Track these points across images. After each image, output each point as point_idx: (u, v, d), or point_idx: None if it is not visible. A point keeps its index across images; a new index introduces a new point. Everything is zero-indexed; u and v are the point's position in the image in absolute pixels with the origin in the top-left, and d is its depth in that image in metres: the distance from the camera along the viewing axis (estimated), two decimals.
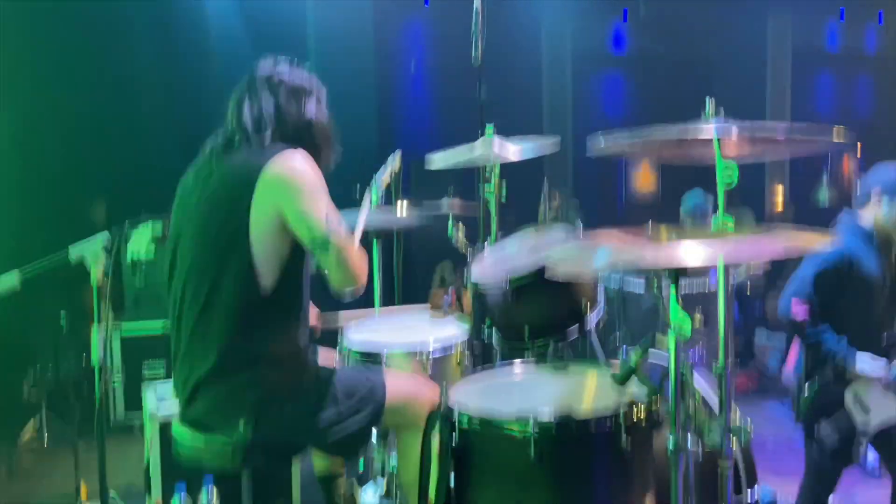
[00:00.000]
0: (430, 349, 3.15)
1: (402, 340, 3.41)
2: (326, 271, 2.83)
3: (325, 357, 3.19)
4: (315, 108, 3.00)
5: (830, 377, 3.85)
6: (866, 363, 3.79)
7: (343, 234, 2.80)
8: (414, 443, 2.92)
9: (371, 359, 3.23)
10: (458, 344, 3.22)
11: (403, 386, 3.02)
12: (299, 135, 2.92)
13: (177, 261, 2.91)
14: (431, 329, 3.41)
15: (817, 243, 2.33)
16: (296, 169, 2.78)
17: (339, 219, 2.80)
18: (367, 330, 3.62)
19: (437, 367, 3.18)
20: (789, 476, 4.25)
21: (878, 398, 3.79)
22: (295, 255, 2.79)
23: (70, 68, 7.08)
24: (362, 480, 4.00)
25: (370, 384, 2.95)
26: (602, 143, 2.65)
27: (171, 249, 2.94)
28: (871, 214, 3.92)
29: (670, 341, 2.36)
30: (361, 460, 4.09)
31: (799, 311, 3.85)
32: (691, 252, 2.21)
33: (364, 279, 2.90)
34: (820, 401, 3.89)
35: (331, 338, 3.64)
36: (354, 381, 2.95)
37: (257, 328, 2.76)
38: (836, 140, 2.50)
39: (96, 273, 3.51)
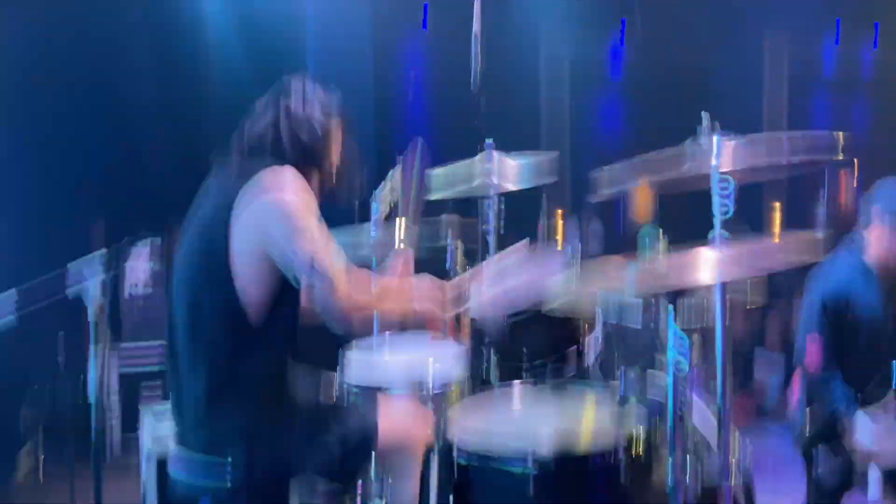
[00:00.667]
0: (431, 386, 3.14)
1: (402, 373, 3.39)
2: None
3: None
4: (321, 130, 2.88)
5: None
6: (865, 433, 3.68)
7: (331, 268, 2.59)
8: (404, 487, 2.89)
9: (370, 394, 3.21)
10: (457, 379, 3.21)
11: (395, 429, 2.96)
12: (298, 154, 2.83)
13: (173, 282, 2.85)
14: (432, 353, 3.39)
15: (810, 254, 2.34)
16: (278, 196, 2.65)
17: (327, 249, 2.64)
18: (368, 359, 3.61)
19: (438, 401, 3.17)
20: (789, 502, 4.24)
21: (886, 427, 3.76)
22: (286, 283, 2.66)
23: (67, 83, 7.08)
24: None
25: (362, 428, 2.90)
26: (604, 186, 2.67)
27: (172, 268, 2.90)
28: (875, 235, 3.86)
29: (668, 374, 2.36)
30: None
31: (813, 349, 3.80)
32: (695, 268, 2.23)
33: (363, 312, 2.68)
34: (819, 428, 3.86)
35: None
36: (349, 410, 2.92)
37: (246, 356, 2.69)
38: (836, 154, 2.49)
39: (94, 308, 3.49)
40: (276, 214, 2.63)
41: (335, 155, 2.96)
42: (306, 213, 2.65)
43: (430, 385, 3.14)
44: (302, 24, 8.05)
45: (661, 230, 7.17)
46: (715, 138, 2.51)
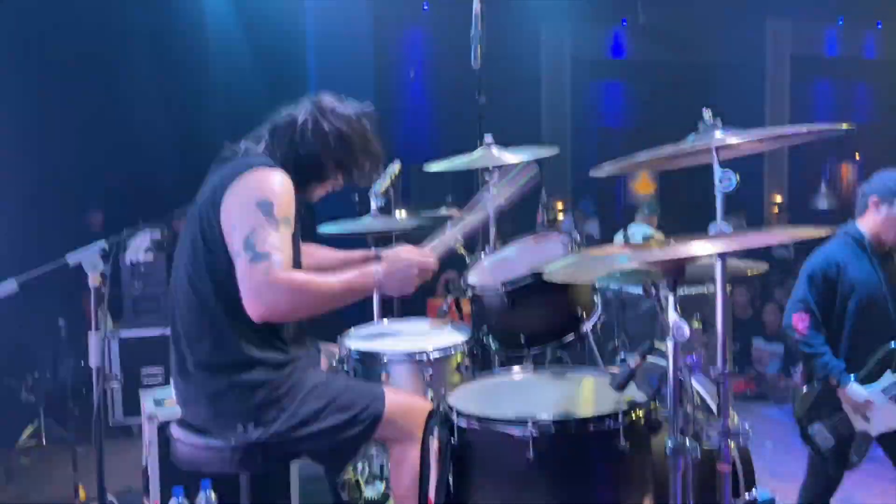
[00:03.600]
0: (430, 352, 3.14)
1: (402, 346, 3.41)
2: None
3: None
4: (324, 145, 2.91)
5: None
6: (856, 391, 3.81)
7: (277, 260, 2.58)
8: (407, 455, 2.90)
9: (372, 361, 3.22)
10: (457, 348, 3.22)
11: (400, 398, 2.99)
12: (298, 162, 2.89)
13: (175, 265, 2.92)
14: (431, 336, 3.40)
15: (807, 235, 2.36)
16: (257, 184, 2.70)
17: (284, 245, 2.64)
18: (368, 336, 3.62)
19: (437, 371, 3.17)
20: (787, 478, 4.26)
21: (882, 405, 3.79)
22: None
23: (68, 77, 7.10)
24: (368, 478, 3.99)
25: (369, 395, 2.92)
26: (605, 169, 2.69)
27: (175, 252, 2.95)
28: (869, 222, 3.94)
29: (668, 345, 2.37)
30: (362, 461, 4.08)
31: (799, 323, 3.87)
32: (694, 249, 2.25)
33: (284, 317, 2.69)
34: (816, 403, 3.89)
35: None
36: (353, 391, 2.93)
37: (247, 336, 2.74)
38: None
39: (94, 278, 3.50)
40: (248, 199, 2.67)
41: (338, 177, 3.00)
42: (275, 205, 2.67)
43: (430, 350, 3.15)
44: (302, 15, 8.06)
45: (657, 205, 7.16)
46: (717, 133, 2.51)
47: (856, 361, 3.85)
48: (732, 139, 2.49)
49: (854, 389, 3.81)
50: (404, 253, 2.98)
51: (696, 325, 3.59)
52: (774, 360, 7.94)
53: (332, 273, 2.78)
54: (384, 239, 4.09)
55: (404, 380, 3.18)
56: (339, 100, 2.99)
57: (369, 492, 3.69)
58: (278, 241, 2.61)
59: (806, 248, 4.10)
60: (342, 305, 2.79)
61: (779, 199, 10.98)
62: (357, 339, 3.40)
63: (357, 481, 3.56)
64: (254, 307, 2.60)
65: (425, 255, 3.05)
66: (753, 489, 3.25)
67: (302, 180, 2.89)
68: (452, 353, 3.19)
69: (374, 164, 3.04)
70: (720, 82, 10.05)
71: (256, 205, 2.65)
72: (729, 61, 10.23)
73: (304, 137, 2.89)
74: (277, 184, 2.73)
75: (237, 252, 2.61)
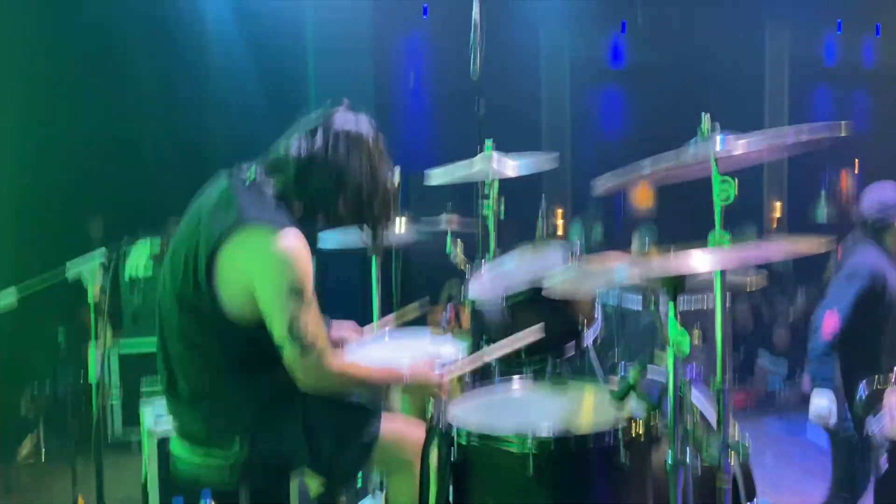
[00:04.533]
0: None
1: (404, 360, 3.40)
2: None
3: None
4: (361, 180, 2.85)
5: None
6: (816, 406, 3.89)
7: (325, 351, 2.66)
8: (402, 485, 2.92)
9: None
10: (459, 360, 3.22)
11: (395, 425, 2.99)
12: (325, 202, 2.84)
13: (164, 279, 2.87)
14: (432, 347, 3.40)
15: (814, 249, 2.35)
16: (284, 258, 2.62)
17: (323, 330, 2.69)
18: (368, 349, 3.62)
19: None
20: (788, 490, 4.25)
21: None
22: None
23: (67, 84, 7.10)
24: (360, 495, 3.99)
25: (365, 420, 2.92)
26: (605, 184, 2.68)
27: (163, 265, 2.91)
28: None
29: (669, 357, 2.36)
30: (360, 474, 4.07)
31: (830, 325, 3.90)
32: (697, 261, 2.24)
33: (330, 381, 2.74)
34: (868, 400, 3.92)
35: None
36: (349, 414, 2.92)
37: (239, 354, 2.73)
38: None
39: (93, 290, 3.50)
40: (278, 275, 2.62)
41: (356, 204, 2.90)
42: (307, 286, 2.65)
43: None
44: (302, 22, 8.06)
45: (655, 227, 7.17)
46: (718, 138, 2.51)
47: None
48: (733, 146, 2.47)
49: (816, 405, 3.90)
50: (429, 372, 2.96)
51: (696, 336, 3.58)
52: (777, 373, 7.94)
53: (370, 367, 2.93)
54: (385, 252, 4.08)
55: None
56: (353, 120, 2.89)
57: None
58: (317, 323, 2.66)
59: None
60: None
61: (779, 207, 10.97)
62: (360, 354, 3.40)
63: None
64: (304, 387, 2.71)
65: (444, 380, 3.00)
66: (754, 500, 3.24)
67: (311, 217, 2.85)
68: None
69: (384, 208, 2.96)
70: (719, 89, 10.04)
71: (289, 291, 2.61)
72: (728, 68, 10.22)
73: (317, 172, 2.81)
74: (301, 258, 2.65)
75: (281, 338, 2.62)
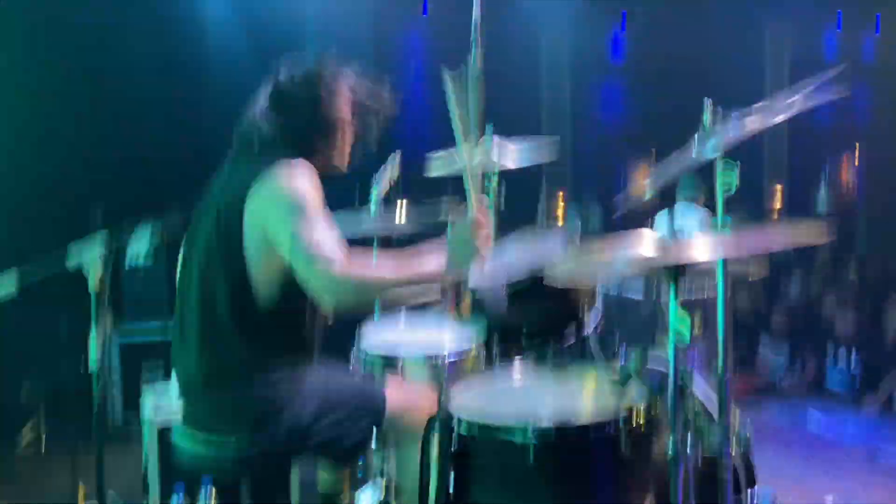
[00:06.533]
0: (446, 354, 3.16)
1: (419, 343, 3.42)
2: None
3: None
4: (327, 108, 2.91)
5: None
6: None
7: (334, 257, 2.59)
8: (412, 453, 2.90)
9: (389, 363, 3.24)
10: (472, 348, 3.23)
11: (402, 396, 3.00)
12: (305, 139, 2.87)
13: (186, 263, 2.92)
14: (445, 330, 3.41)
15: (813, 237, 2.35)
16: (283, 185, 2.68)
17: (331, 238, 2.64)
18: (384, 332, 3.63)
19: (453, 371, 3.19)
20: (788, 477, 4.26)
21: None
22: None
23: (67, 71, 7.08)
24: (360, 482, 3.99)
25: (370, 394, 2.94)
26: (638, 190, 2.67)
27: (184, 250, 2.95)
28: None
29: (669, 346, 2.36)
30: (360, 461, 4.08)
31: None
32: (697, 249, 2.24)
33: (362, 281, 2.63)
34: None
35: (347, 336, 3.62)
36: (355, 390, 2.94)
37: (256, 339, 2.75)
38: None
39: (94, 278, 3.50)
40: (279, 201, 2.67)
41: (342, 135, 2.97)
42: (308, 200, 2.68)
43: (445, 354, 3.15)
44: (302, 18, 8.05)
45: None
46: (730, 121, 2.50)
47: None
48: (744, 126, 2.46)
49: None
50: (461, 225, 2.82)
51: (696, 324, 3.58)
52: (779, 360, 7.93)
53: (395, 258, 2.73)
54: (386, 240, 4.08)
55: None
56: (306, 61, 2.98)
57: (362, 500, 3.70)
58: (324, 235, 2.62)
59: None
60: (415, 285, 2.79)
61: (779, 192, 10.96)
62: (372, 333, 3.40)
63: None
64: (327, 303, 2.67)
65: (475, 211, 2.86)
66: (754, 488, 3.24)
67: (321, 145, 2.90)
68: (467, 358, 3.20)
69: (381, 103, 3.03)
70: (719, 84, 9.97)
71: (290, 207, 2.64)
72: (728, 63, 10.19)
73: (305, 96, 2.89)
74: (304, 179, 2.72)
75: (292, 255, 2.62)
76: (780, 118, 2.56)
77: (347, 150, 3.01)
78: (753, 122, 2.48)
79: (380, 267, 2.68)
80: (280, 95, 2.90)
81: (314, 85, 2.92)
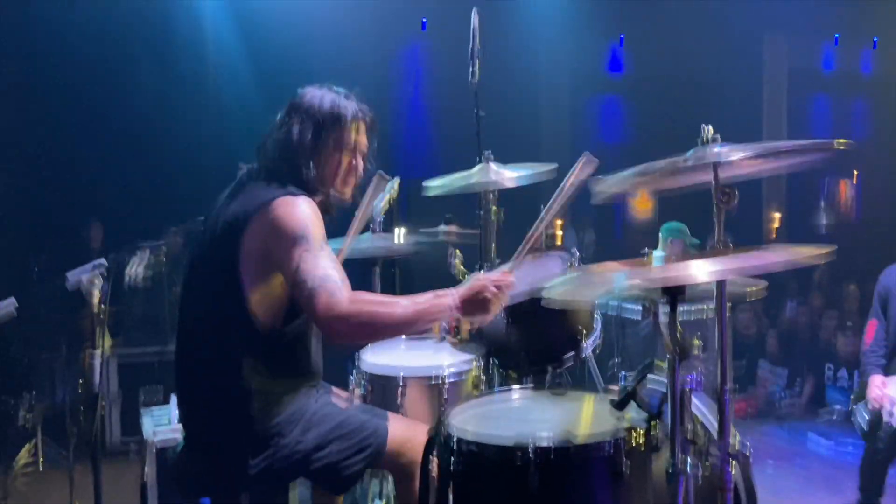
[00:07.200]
0: (446, 374, 3.16)
1: (418, 365, 3.41)
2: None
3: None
4: (336, 143, 2.92)
5: None
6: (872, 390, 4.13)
7: (338, 294, 2.60)
8: (409, 487, 2.91)
9: (387, 383, 3.23)
10: (472, 368, 3.23)
11: (403, 432, 3.00)
12: (310, 171, 2.87)
13: (187, 285, 2.94)
14: (445, 354, 3.41)
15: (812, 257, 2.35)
16: (286, 215, 2.70)
17: (336, 273, 2.66)
18: (384, 354, 3.62)
19: (453, 392, 3.19)
20: (788, 496, 4.25)
21: None
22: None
23: (67, 94, 7.10)
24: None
25: (373, 428, 2.93)
26: (605, 187, 2.68)
27: (185, 272, 2.97)
28: None
29: (668, 365, 2.36)
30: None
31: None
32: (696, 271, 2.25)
33: (360, 316, 2.63)
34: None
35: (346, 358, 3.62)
36: (357, 422, 2.93)
37: (257, 362, 2.76)
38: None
39: (93, 300, 3.50)
40: (282, 233, 2.67)
41: (348, 168, 2.98)
42: (311, 233, 2.68)
43: (445, 375, 3.15)
44: (302, 31, 8.07)
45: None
46: (717, 148, 2.50)
47: None
48: (732, 155, 2.47)
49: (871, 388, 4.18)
50: (480, 278, 2.87)
51: (696, 345, 3.58)
52: (778, 381, 7.93)
53: (404, 298, 2.74)
54: (388, 260, 4.09)
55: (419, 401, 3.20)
56: (310, 95, 2.98)
57: None
58: (326, 267, 2.63)
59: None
60: (415, 331, 2.91)
61: (777, 216, 10.97)
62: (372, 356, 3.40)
63: None
64: (326, 335, 2.71)
65: (501, 274, 2.91)
66: None
67: (322, 180, 2.90)
68: (466, 378, 3.20)
69: (366, 125, 3.02)
70: (718, 98, 10.03)
71: (293, 238, 2.65)
72: (726, 77, 10.23)
73: (297, 135, 2.88)
74: (305, 212, 2.72)
75: (293, 285, 2.63)
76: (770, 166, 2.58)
77: (353, 182, 3.02)
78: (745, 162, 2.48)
79: (385, 305, 2.70)
80: (289, 129, 2.90)
81: (325, 120, 2.93)
